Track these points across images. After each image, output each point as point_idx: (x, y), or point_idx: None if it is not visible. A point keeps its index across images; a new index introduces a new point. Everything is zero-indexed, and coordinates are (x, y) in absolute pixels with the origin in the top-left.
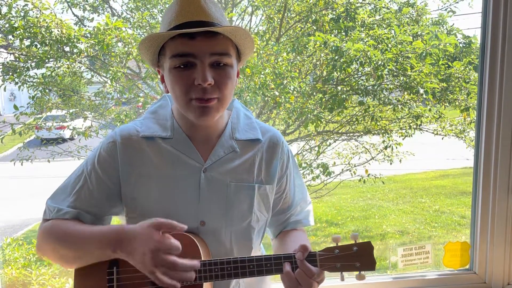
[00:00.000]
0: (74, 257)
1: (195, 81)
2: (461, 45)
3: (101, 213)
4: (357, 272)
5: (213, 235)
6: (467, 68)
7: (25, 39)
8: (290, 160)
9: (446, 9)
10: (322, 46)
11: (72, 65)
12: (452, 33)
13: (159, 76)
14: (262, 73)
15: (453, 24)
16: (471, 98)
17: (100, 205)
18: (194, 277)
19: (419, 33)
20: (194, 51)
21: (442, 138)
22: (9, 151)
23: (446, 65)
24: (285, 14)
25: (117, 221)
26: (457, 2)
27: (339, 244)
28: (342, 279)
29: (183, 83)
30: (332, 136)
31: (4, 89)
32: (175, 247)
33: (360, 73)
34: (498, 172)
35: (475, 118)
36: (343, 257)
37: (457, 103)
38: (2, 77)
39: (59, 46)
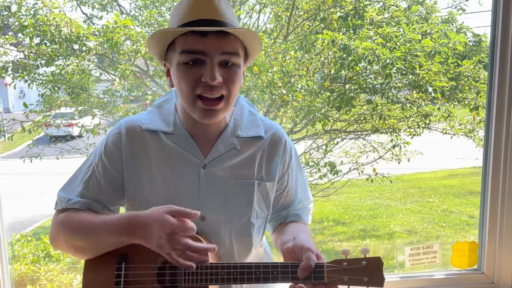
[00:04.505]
0: (88, 247)
1: (203, 78)
2: (470, 43)
3: (109, 202)
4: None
5: (213, 231)
6: (476, 67)
7: (34, 37)
8: (293, 158)
9: (455, 7)
10: (330, 44)
11: (81, 63)
12: (461, 31)
13: (166, 73)
14: (270, 71)
15: (463, 22)
16: (480, 97)
17: (107, 194)
18: (208, 260)
19: (428, 31)
20: (205, 49)
21: (451, 137)
22: (19, 148)
23: (456, 64)
24: (293, 12)
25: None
26: (467, 0)
27: (349, 257)
28: None
29: (191, 78)
30: (339, 135)
31: (14, 87)
32: (191, 228)
33: (368, 71)
34: (507, 172)
35: (484, 117)
36: (351, 270)
37: (466, 102)
38: (12, 75)
39: (68, 44)
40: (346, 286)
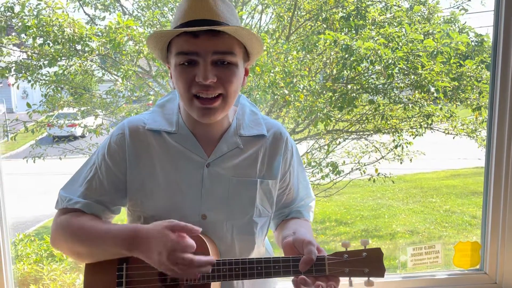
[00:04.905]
0: (88, 253)
1: (196, 78)
2: (473, 43)
3: (111, 203)
4: (366, 278)
5: (214, 229)
6: (479, 67)
7: (37, 38)
8: (294, 156)
9: (458, 7)
10: (332, 44)
11: (84, 64)
12: (464, 31)
13: (169, 74)
14: (272, 71)
15: (465, 22)
16: (483, 97)
17: (110, 194)
18: (210, 271)
19: (430, 31)
20: (197, 50)
21: (454, 138)
22: (22, 148)
23: (458, 64)
24: (295, 12)
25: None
26: (470, 0)
27: (349, 249)
28: (351, 284)
29: (186, 79)
30: (341, 135)
31: (17, 87)
32: (190, 245)
33: (370, 71)
34: (509, 172)
35: (486, 118)
36: (352, 262)
37: (468, 102)
38: (15, 75)
39: (71, 44)
40: (348, 278)
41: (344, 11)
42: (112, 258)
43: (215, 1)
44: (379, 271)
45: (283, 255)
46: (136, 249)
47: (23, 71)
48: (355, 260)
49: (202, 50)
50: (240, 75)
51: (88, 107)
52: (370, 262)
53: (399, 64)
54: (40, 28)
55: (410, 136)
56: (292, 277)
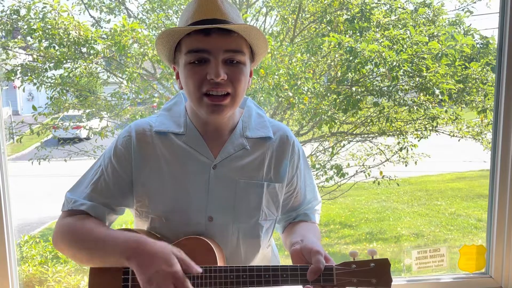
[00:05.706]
0: (88, 259)
1: (208, 75)
2: (478, 45)
3: (116, 205)
4: None
5: (220, 231)
6: (484, 69)
7: (43, 41)
8: (301, 159)
9: (463, 9)
10: (337, 46)
11: (89, 66)
12: (469, 33)
13: (173, 76)
14: (276, 73)
15: (470, 24)
16: (488, 99)
17: (115, 196)
18: None
19: (435, 33)
20: (208, 47)
21: (459, 140)
22: (27, 150)
23: (463, 66)
24: (300, 14)
25: (130, 221)
26: (475, 2)
27: (356, 259)
28: None
29: (196, 77)
30: (346, 137)
31: (23, 90)
32: (186, 285)
33: (375, 74)
34: None
35: (492, 120)
36: (359, 272)
37: (474, 105)
38: (21, 77)
39: (77, 47)
40: None
41: (349, 13)
42: (111, 266)
43: (223, 2)
44: (387, 281)
45: (289, 260)
46: (136, 260)
47: (28, 74)
48: (363, 271)
49: (214, 48)
50: (247, 75)
51: (93, 110)
52: (378, 273)
53: (404, 66)
54: (46, 31)
55: (415, 138)
56: (300, 286)
